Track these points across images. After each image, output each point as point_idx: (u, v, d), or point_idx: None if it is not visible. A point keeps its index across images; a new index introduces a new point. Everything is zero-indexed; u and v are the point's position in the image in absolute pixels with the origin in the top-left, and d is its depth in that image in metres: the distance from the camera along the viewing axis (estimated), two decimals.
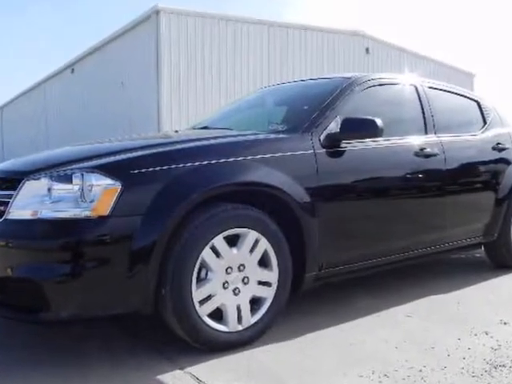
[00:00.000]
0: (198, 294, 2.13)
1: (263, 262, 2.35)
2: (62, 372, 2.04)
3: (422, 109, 3.32)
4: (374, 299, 3.00)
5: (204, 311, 2.16)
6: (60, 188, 2.04)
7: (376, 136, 2.74)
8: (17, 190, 2.09)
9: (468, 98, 3.89)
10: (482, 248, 3.81)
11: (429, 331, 2.50)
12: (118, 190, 1.99)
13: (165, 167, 2.13)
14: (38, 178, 2.10)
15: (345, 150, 2.68)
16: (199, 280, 2.16)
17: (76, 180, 2.02)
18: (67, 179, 2.04)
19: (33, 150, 13.71)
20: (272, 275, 2.36)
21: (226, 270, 2.22)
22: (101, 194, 1.99)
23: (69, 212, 1.98)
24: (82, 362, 2.14)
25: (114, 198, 1.98)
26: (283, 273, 2.38)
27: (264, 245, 2.31)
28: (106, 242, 1.96)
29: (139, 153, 2.28)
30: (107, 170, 2.06)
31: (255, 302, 2.34)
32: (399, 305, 2.90)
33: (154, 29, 12.97)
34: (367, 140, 2.78)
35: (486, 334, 2.46)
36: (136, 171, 2.07)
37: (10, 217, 2.06)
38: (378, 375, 2.01)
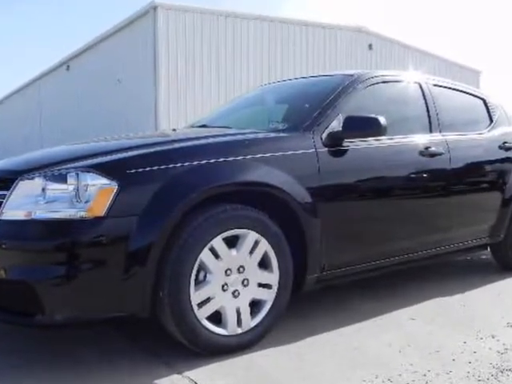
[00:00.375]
0: (196, 296, 2.13)
1: (263, 264, 2.34)
2: (57, 377, 2.04)
3: (427, 107, 3.32)
4: (377, 302, 3.00)
5: (203, 314, 2.16)
6: (54, 188, 2.04)
7: (379, 135, 2.74)
8: (10, 190, 2.09)
9: (474, 95, 3.89)
10: (488, 249, 3.81)
11: (433, 335, 2.50)
12: (114, 190, 1.99)
13: (162, 167, 2.13)
14: (32, 178, 2.10)
15: (347, 149, 2.68)
16: (198, 282, 2.16)
17: (71, 180, 2.02)
18: (62, 179, 2.04)
19: (27, 148, 13.72)
20: (272, 277, 2.36)
21: (226, 271, 2.22)
22: (96, 194, 1.98)
23: (63, 212, 1.97)
24: (78, 366, 2.14)
25: (110, 199, 1.98)
26: (284, 275, 2.38)
27: (264, 246, 2.31)
28: (102, 243, 1.96)
29: (136, 152, 2.27)
30: (103, 169, 2.06)
31: (255, 305, 2.34)
32: (403, 307, 2.90)
33: (152, 25, 12.98)
34: (370, 139, 2.78)
35: (493, 337, 2.46)
36: (133, 171, 2.07)
37: (3, 217, 2.06)
38: (382, 379, 2.01)
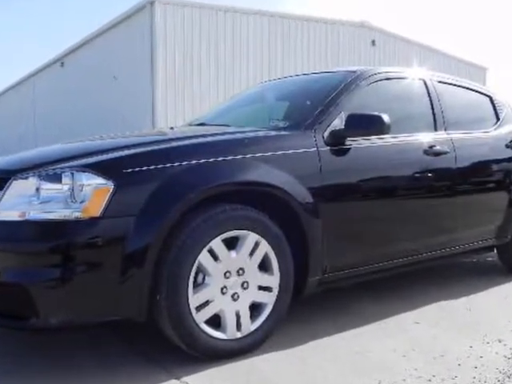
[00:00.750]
0: (194, 299, 2.13)
1: (264, 266, 2.34)
2: (51, 382, 2.04)
3: (432, 104, 3.31)
4: (380, 305, 3.00)
5: (201, 318, 2.16)
6: (49, 188, 2.03)
7: (383, 133, 2.73)
8: (3, 190, 2.09)
9: (480, 93, 3.89)
10: (495, 251, 3.81)
11: (438, 339, 2.50)
12: (110, 190, 1.99)
13: (159, 166, 2.12)
14: (26, 178, 2.09)
15: (350, 148, 2.68)
16: (196, 285, 2.15)
17: (66, 179, 2.02)
18: (56, 178, 2.04)
19: (21, 146, 13.73)
20: (273, 280, 2.35)
21: (225, 274, 2.22)
22: (92, 194, 1.98)
23: (58, 213, 1.97)
24: (73, 371, 2.13)
25: (106, 199, 1.98)
26: (285, 277, 2.38)
27: (264, 247, 2.31)
28: (98, 244, 1.96)
29: (132, 151, 2.27)
30: (99, 168, 2.05)
31: (255, 308, 2.33)
32: (407, 311, 2.90)
33: (149, 20, 12.98)
34: (373, 137, 2.78)
35: (499, 341, 2.46)
36: (129, 170, 2.07)
37: None
38: None
